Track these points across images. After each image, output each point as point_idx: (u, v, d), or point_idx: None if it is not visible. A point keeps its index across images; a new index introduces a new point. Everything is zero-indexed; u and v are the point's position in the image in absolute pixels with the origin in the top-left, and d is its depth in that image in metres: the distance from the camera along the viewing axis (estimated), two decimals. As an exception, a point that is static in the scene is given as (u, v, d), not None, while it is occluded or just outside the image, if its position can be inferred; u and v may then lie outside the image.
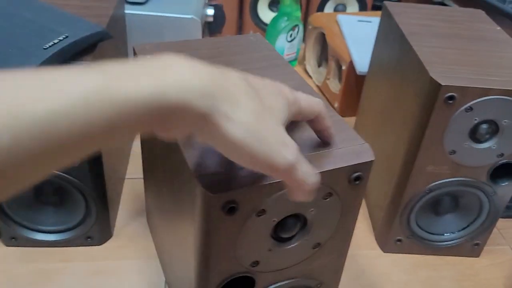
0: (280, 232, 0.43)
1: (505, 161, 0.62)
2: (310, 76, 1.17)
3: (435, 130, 0.59)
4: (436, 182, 0.64)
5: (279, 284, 0.47)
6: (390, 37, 0.73)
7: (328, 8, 1.30)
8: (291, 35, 1.14)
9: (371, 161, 0.42)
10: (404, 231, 0.70)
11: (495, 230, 0.79)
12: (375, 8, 1.32)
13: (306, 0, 1.30)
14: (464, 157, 0.61)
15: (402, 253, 0.72)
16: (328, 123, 0.40)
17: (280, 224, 0.42)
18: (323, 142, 0.42)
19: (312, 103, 0.38)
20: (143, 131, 0.27)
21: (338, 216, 0.45)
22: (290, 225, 0.43)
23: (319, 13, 1.15)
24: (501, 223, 0.81)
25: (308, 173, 0.33)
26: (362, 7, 1.31)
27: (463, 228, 0.71)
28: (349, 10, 1.32)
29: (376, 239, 0.75)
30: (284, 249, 0.44)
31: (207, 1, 1.04)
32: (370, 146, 0.43)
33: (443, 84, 0.55)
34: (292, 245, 0.45)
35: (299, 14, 1.13)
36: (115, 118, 0.25)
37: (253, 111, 0.30)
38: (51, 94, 0.23)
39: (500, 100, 0.56)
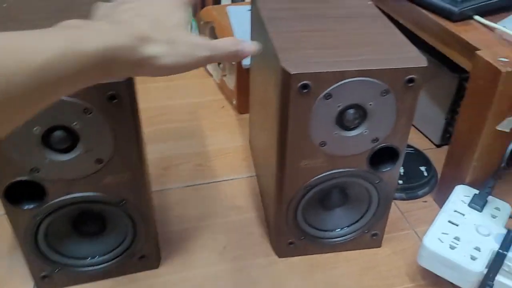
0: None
1: (382, 145, 0.57)
2: (210, 74, 1.10)
3: (297, 122, 0.53)
4: (314, 178, 0.59)
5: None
6: (256, 25, 0.67)
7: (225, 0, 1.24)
8: (183, 33, 1.07)
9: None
10: (294, 233, 0.65)
11: (398, 214, 0.76)
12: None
13: (201, -6, 1.23)
14: (336, 147, 0.56)
15: (297, 255, 0.67)
16: None
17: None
18: None
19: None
20: (96, 78, 0.35)
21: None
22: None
23: (209, 7, 1.09)
24: (404, 205, 0.77)
25: (226, 47, 0.43)
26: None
27: (357, 221, 0.66)
28: None
29: (271, 245, 0.69)
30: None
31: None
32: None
33: (292, 72, 0.50)
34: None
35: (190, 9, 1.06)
36: (80, 67, 0.33)
37: (165, 41, 0.38)
38: (37, 50, 0.31)
39: (358, 82, 0.51)
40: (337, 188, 0.64)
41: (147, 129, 0.88)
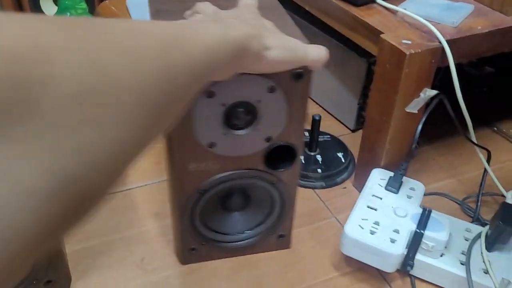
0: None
1: (276, 144, 0.54)
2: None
3: (180, 123, 0.50)
4: (207, 181, 0.55)
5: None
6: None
7: (126, -6, 1.17)
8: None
9: None
10: (194, 239, 0.61)
11: (320, 203, 0.75)
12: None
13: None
14: (227, 148, 0.53)
15: (201, 261, 0.63)
16: None
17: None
18: None
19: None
20: (229, 70, 0.40)
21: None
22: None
23: (107, 2, 1.02)
24: (325, 193, 0.77)
25: (318, 53, 0.47)
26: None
27: (261, 223, 0.63)
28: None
29: (174, 252, 0.65)
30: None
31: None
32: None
33: None
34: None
35: (84, 5, 0.98)
36: (232, 54, 0.35)
37: (275, 37, 0.42)
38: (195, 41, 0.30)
39: (242, 78, 0.47)
40: (237, 191, 0.60)
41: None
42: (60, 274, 0.58)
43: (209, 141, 0.51)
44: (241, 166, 0.55)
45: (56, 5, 1.10)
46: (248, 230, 0.63)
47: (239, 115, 0.51)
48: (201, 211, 0.58)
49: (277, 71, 0.45)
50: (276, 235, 0.64)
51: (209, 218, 0.60)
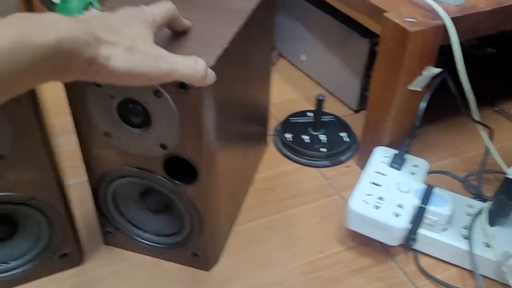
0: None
1: (173, 155, 0.51)
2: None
3: (76, 107, 0.51)
4: (110, 169, 0.55)
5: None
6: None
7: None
8: (86, 15, 1.00)
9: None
10: (109, 223, 0.61)
11: (324, 181, 0.77)
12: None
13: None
14: (122, 142, 0.52)
15: (119, 247, 0.64)
16: (183, 21, 0.49)
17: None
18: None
19: (165, 12, 0.45)
20: (53, 73, 0.34)
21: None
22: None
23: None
24: (329, 172, 0.78)
25: (191, 67, 0.41)
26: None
27: (173, 234, 0.60)
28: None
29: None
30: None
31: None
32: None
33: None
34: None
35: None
36: (34, 59, 0.32)
37: (121, 46, 0.37)
38: None
39: None
40: (154, 192, 0.57)
41: (57, 120, 0.82)
42: (74, 247, 0.59)
43: (104, 130, 0.52)
44: (142, 165, 0.53)
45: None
46: (160, 236, 0.61)
47: (131, 112, 0.49)
48: (117, 199, 0.59)
49: (137, 85, 0.40)
50: (189, 251, 0.60)
51: (125, 208, 0.60)
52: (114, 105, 0.49)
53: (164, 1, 0.46)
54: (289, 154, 0.80)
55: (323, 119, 0.84)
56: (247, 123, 0.67)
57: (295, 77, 1.02)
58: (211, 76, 0.43)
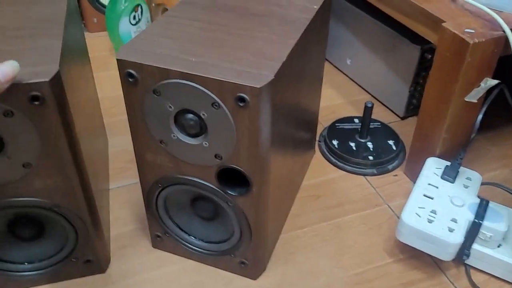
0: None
1: (227, 166, 0.51)
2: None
3: (133, 112, 0.51)
4: (163, 176, 0.55)
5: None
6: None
7: (175, -21, 1.18)
8: (134, 17, 1.01)
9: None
10: (159, 227, 0.62)
11: (371, 190, 0.76)
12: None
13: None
14: (177, 150, 0.52)
15: (167, 251, 0.64)
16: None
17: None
18: None
19: (10, 73, 0.42)
20: None
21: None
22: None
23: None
24: (376, 180, 0.78)
25: None
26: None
27: (221, 241, 0.61)
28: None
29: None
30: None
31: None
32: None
33: (117, 58, 0.47)
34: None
35: (137, -9, 1.00)
36: None
37: None
38: None
39: (184, 85, 0.46)
40: (205, 200, 0.58)
41: (107, 120, 0.84)
42: (99, 255, 0.60)
43: (159, 137, 0.52)
44: (194, 174, 0.54)
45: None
46: (208, 242, 0.62)
47: (188, 122, 0.50)
48: (168, 204, 0.60)
49: None
50: (237, 259, 0.61)
51: (176, 214, 0.61)
52: (171, 114, 0.50)
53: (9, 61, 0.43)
54: (335, 161, 0.80)
55: (369, 125, 0.83)
56: (298, 130, 0.67)
57: (339, 81, 1.02)
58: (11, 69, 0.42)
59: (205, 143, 0.50)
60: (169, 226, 0.62)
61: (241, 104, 0.46)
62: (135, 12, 1.01)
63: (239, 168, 0.51)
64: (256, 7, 0.58)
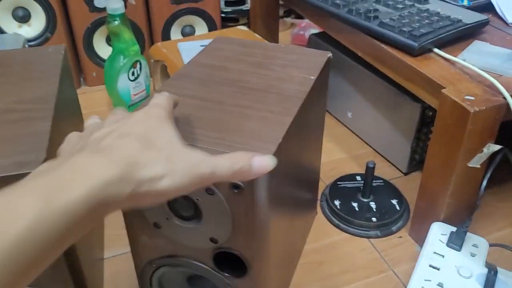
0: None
1: (224, 249, 0.49)
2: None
3: None
4: (158, 257, 0.54)
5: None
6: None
7: (174, 33, 1.19)
8: (133, 73, 1.01)
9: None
10: None
11: (376, 254, 0.74)
12: (225, 27, 1.23)
13: (148, 28, 1.18)
14: (172, 233, 0.51)
15: None
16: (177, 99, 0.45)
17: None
18: None
19: (170, 98, 0.42)
20: (87, 227, 0.30)
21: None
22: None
23: (159, 44, 1.04)
24: (380, 243, 0.75)
25: (228, 167, 0.36)
26: (211, 26, 1.22)
27: None
28: (198, 31, 1.22)
29: None
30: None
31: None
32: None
33: None
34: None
35: (136, 47, 1.01)
36: (64, 226, 0.28)
37: (161, 160, 0.33)
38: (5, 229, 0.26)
39: None
40: (203, 280, 0.56)
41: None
42: None
43: (154, 220, 0.51)
44: (191, 256, 0.52)
45: (110, 46, 1.14)
46: None
47: (182, 206, 0.49)
48: (163, 283, 0.58)
49: (177, 195, 0.35)
50: None
51: None
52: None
53: (161, 92, 0.43)
54: (338, 222, 0.78)
55: (372, 184, 0.81)
56: (299, 194, 0.65)
57: (340, 134, 1.01)
58: (265, 164, 0.38)
59: (200, 226, 0.49)
60: None
61: (235, 191, 0.44)
62: (134, 68, 1.01)
63: (235, 252, 0.49)
64: (255, 81, 0.57)
